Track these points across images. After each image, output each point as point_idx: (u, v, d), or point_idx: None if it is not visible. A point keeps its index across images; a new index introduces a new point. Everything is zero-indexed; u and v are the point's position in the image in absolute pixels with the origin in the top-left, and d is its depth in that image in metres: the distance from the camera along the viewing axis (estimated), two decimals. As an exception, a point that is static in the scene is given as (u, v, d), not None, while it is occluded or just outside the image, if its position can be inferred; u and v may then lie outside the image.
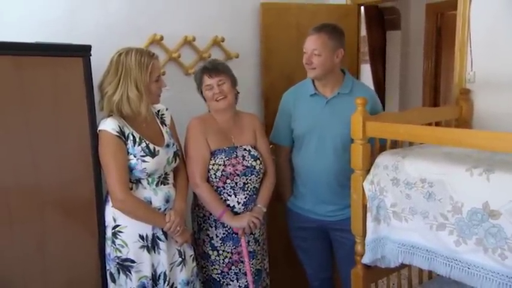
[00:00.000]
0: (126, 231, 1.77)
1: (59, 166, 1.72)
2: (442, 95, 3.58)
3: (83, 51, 1.69)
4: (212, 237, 2.02)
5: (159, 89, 1.81)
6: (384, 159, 1.74)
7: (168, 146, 1.85)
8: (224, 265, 2.03)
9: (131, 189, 1.77)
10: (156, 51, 2.30)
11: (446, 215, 1.50)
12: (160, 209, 1.81)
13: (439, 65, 3.55)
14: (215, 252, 2.02)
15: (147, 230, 1.78)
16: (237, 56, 2.58)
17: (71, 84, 1.70)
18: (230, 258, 2.03)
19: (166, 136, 1.87)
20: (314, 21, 2.72)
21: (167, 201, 1.84)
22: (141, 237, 1.77)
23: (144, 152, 1.75)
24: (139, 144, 1.75)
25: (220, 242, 2.02)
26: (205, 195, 1.95)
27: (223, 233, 2.01)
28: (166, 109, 1.98)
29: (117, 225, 1.78)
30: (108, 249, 1.80)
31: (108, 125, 1.72)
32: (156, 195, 1.81)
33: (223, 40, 2.51)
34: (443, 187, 1.51)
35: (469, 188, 1.44)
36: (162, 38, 2.30)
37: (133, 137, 1.75)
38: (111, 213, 1.79)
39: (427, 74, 3.53)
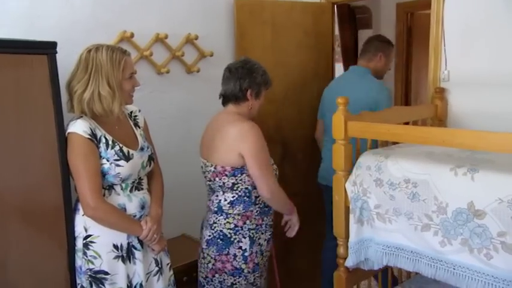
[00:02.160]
0: (99, 241, 1.65)
1: (22, 171, 1.58)
2: (413, 93, 3.64)
3: (48, 48, 1.56)
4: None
5: (132, 87, 1.71)
6: (366, 160, 1.72)
7: (142, 149, 1.76)
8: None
9: (104, 195, 1.66)
10: (127, 49, 2.21)
11: (431, 216, 1.48)
12: (135, 216, 1.71)
13: (410, 63, 3.61)
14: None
15: (121, 239, 1.68)
16: (211, 54, 2.49)
17: (35, 84, 1.57)
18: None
19: (140, 139, 1.79)
20: (289, 18, 2.71)
21: (142, 207, 1.74)
22: (115, 246, 1.67)
23: (118, 156, 1.65)
24: (112, 148, 1.65)
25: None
26: None
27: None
28: (139, 110, 1.88)
29: (89, 235, 1.66)
30: (79, 261, 1.67)
31: (79, 127, 1.60)
32: (130, 202, 1.71)
33: (196, 38, 2.42)
34: (427, 187, 1.50)
35: (453, 188, 1.44)
36: (132, 35, 2.18)
37: (106, 139, 1.65)
38: (81, 222, 1.67)
39: (399, 72, 3.58)
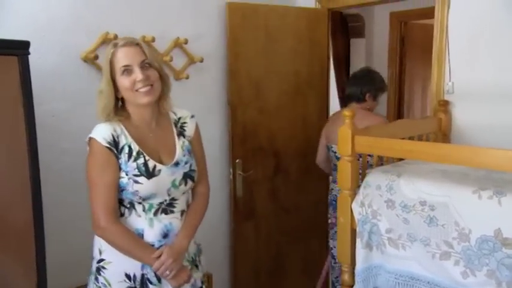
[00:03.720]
0: (111, 268, 1.43)
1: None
2: (406, 103, 3.55)
3: (19, 49, 1.36)
4: None
5: (131, 83, 1.38)
6: (375, 178, 1.57)
7: (177, 164, 1.46)
8: None
9: (122, 215, 1.43)
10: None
11: (451, 243, 1.35)
12: (153, 245, 1.43)
13: (403, 73, 3.52)
14: None
15: (135, 268, 1.43)
16: (201, 60, 2.32)
17: (3, 89, 1.36)
18: None
19: (179, 151, 1.48)
20: (283, 24, 2.56)
21: (165, 236, 1.44)
22: (128, 276, 1.43)
23: (139, 171, 1.39)
24: (135, 160, 1.40)
25: None
26: None
27: None
28: (192, 116, 1.57)
29: (102, 260, 1.45)
30: (91, 285, 1.48)
31: (99, 133, 1.40)
32: (151, 228, 1.42)
33: (186, 42, 2.24)
34: (446, 211, 1.36)
35: (477, 213, 1.30)
36: (115, 37, 1.98)
37: (130, 149, 1.40)
38: (97, 243, 1.47)
39: (391, 82, 3.48)
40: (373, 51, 3.65)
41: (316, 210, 2.78)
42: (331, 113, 2.80)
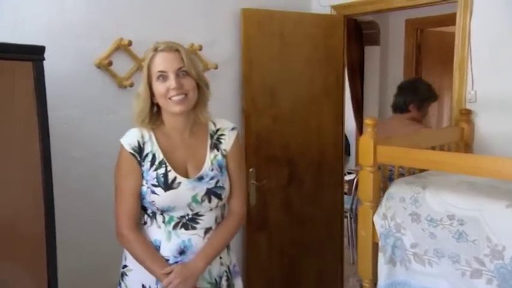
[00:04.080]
0: (131, 275, 1.42)
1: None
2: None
3: (34, 54, 1.32)
4: None
5: (165, 90, 1.32)
6: (399, 190, 1.51)
7: (200, 178, 1.37)
8: None
9: (145, 223, 1.40)
10: (122, 58, 1.99)
11: (483, 260, 1.27)
12: (168, 260, 1.36)
13: (419, 82, 3.44)
14: None
15: (151, 281, 1.38)
16: (215, 66, 2.28)
17: (17, 97, 1.32)
18: None
19: (207, 165, 1.39)
20: (298, 31, 2.52)
21: (182, 252, 1.36)
22: (144, 287, 1.40)
23: (157, 181, 1.34)
24: (156, 169, 1.34)
25: None
26: None
27: None
28: (232, 128, 1.47)
29: (125, 266, 1.45)
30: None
31: (126, 138, 1.38)
32: (168, 241, 1.36)
33: (200, 48, 2.20)
34: (477, 226, 1.29)
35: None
36: (130, 43, 1.95)
37: (153, 158, 1.36)
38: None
39: (407, 91, 3.40)
40: (388, 59, 3.59)
41: (331, 221, 2.71)
42: (346, 122, 2.75)
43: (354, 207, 3.59)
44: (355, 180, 3.63)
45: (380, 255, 1.52)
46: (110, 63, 1.91)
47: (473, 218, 1.30)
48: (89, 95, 1.91)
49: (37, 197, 1.41)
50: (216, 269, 1.42)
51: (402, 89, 2.54)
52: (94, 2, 1.89)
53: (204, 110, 1.42)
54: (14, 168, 1.36)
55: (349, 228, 3.52)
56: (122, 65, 1.98)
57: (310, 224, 2.66)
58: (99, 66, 1.91)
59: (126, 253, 1.42)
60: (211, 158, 1.41)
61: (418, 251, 1.41)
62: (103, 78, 1.94)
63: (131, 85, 1.99)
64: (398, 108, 2.50)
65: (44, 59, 1.35)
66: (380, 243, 1.52)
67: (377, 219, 1.53)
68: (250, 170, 2.42)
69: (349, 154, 4.31)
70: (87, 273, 1.90)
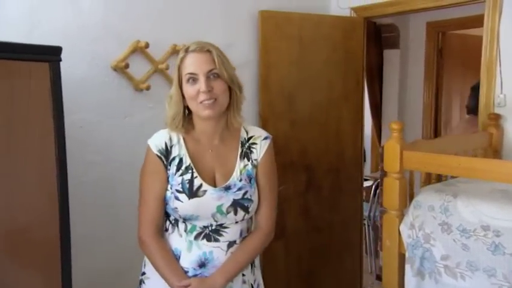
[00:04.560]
0: (149, 284, 1.36)
1: (11, 205, 1.28)
2: (443, 119, 3.38)
3: (51, 54, 1.28)
4: None
5: (195, 93, 1.25)
6: (427, 198, 1.43)
7: (227, 188, 1.29)
8: None
9: (167, 230, 1.33)
10: (139, 61, 1.96)
11: (522, 274, 1.19)
12: (187, 272, 1.28)
13: (441, 86, 3.35)
14: None
15: None
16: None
17: (33, 98, 1.29)
18: None
19: (235, 174, 1.31)
20: (317, 34, 2.46)
21: (202, 265, 1.28)
22: None
23: (182, 187, 1.26)
24: (182, 174, 1.27)
25: None
26: None
27: None
28: (265, 138, 1.37)
29: (144, 273, 1.39)
30: None
31: (153, 139, 1.31)
32: (188, 251, 1.29)
33: (217, 51, 2.15)
34: (515, 238, 1.21)
35: (553, 241, 1.15)
36: (147, 46, 1.92)
37: (180, 162, 1.29)
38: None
39: (428, 96, 3.32)
40: (408, 63, 3.50)
41: (350, 229, 2.63)
42: (365, 127, 2.68)
43: (372, 214, 3.50)
44: (373, 186, 3.55)
45: (407, 267, 1.44)
46: (127, 66, 1.88)
47: (510, 230, 1.21)
48: (105, 98, 1.88)
49: (52, 200, 1.37)
50: (238, 285, 1.33)
51: (475, 90, 2.39)
52: (111, 4, 1.87)
53: (236, 115, 1.33)
54: (29, 172, 1.32)
55: (367, 236, 3.42)
56: (139, 68, 1.95)
57: (329, 231, 2.58)
58: (116, 68, 1.88)
59: (146, 260, 1.36)
60: (240, 167, 1.32)
61: (449, 264, 1.33)
62: (119, 81, 1.91)
63: (148, 88, 1.96)
64: (472, 109, 2.49)
65: (60, 59, 1.31)
66: (407, 254, 1.44)
67: (404, 229, 1.46)
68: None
69: (364, 160, 4.22)
70: (102, 278, 1.86)
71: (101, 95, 1.87)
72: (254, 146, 1.35)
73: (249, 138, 1.36)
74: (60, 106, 1.33)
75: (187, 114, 1.32)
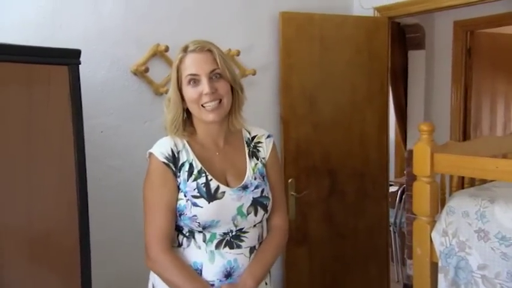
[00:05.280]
0: None
1: (30, 214, 1.27)
2: (472, 122, 3.24)
3: (70, 58, 1.27)
4: None
5: (197, 95, 1.19)
6: (461, 204, 1.34)
7: (245, 188, 1.24)
8: None
9: (180, 245, 1.24)
10: (159, 65, 1.93)
11: None
12: (213, 285, 1.20)
13: (469, 88, 3.22)
14: None
15: None
16: (254, 72, 2.19)
17: (52, 102, 1.27)
18: None
19: (249, 173, 1.27)
20: (339, 34, 2.40)
21: (228, 275, 1.20)
22: None
23: (199, 192, 1.19)
24: (195, 179, 1.21)
25: None
26: None
27: None
28: (268, 136, 1.36)
29: None
30: None
31: (158, 147, 1.24)
32: (211, 263, 1.20)
33: (238, 54, 2.12)
34: (560, 246, 1.11)
35: None
36: (167, 49, 1.90)
37: (191, 167, 1.22)
38: (152, 276, 1.30)
39: (456, 98, 3.20)
40: (434, 64, 3.38)
41: (376, 235, 2.53)
42: (390, 129, 2.59)
43: (398, 221, 3.39)
44: (398, 192, 3.44)
45: (440, 276, 1.35)
46: (147, 70, 1.86)
47: (556, 237, 1.12)
48: (125, 102, 1.87)
49: (72, 206, 1.35)
50: None
51: None
52: (131, 8, 1.86)
53: (238, 116, 1.29)
54: (48, 177, 1.31)
55: (394, 244, 3.31)
56: (158, 72, 1.93)
57: (353, 238, 2.50)
58: (136, 73, 1.87)
59: (155, 281, 1.26)
60: (252, 166, 1.28)
61: (487, 274, 1.24)
62: (139, 85, 1.90)
63: (167, 92, 1.93)
64: None
65: (79, 63, 1.30)
66: (440, 263, 1.36)
67: (436, 236, 1.37)
68: (290, 180, 2.30)
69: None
70: (122, 284, 1.83)
71: (120, 99, 1.86)
72: (260, 144, 1.33)
73: (253, 138, 1.34)
74: (79, 110, 1.31)
75: (185, 117, 1.26)
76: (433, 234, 1.39)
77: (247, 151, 1.31)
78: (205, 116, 1.21)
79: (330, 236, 2.44)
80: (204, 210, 1.18)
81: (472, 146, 1.60)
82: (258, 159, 1.31)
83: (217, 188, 1.21)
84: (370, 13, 2.52)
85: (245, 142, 1.32)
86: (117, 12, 1.83)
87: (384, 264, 2.59)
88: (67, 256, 1.37)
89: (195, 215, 1.19)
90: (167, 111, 1.26)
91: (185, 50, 1.23)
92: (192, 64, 1.20)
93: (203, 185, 1.20)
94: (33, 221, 1.29)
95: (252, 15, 2.23)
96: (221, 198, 1.20)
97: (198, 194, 1.19)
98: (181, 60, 1.22)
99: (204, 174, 1.22)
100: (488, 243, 1.24)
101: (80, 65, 1.30)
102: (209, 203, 1.19)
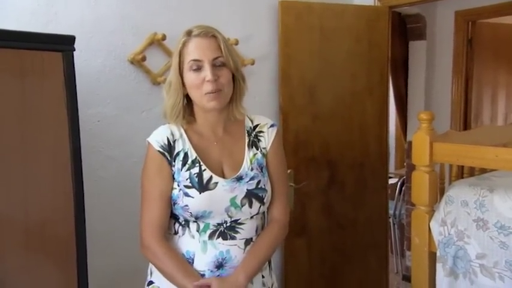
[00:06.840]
0: None
1: (25, 203, 1.26)
2: (473, 113, 3.22)
3: (64, 44, 1.25)
4: None
5: (199, 81, 1.17)
6: (460, 193, 1.33)
7: (239, 179, 1.21)
8: None
9: (176, 233, 1.24)
10: (156, 54, 1.91)
11: None
12: (204, 275, 1.19)
13: (471, 79, 3.19)
14: None
15: None
16: (252, 62, 2.17)
17: (46, 89, 1.26)
18: None
19: (246, 164, 1.24)
20: (340, 24, 2.37)
21: (219, 266, 1.19)
22: None
23: (191, 182, 1.18)
24: (189, 169, 1.19)
25: None
26: None
27: None
28: (271, 126, 1.32)
29: (151, 282, 1.29)
30: None
31: (154, 136, 1.23)
32: (203, 253, 1.19)
33: (236, 43, 2.10)
34: (560, 235, 1.10)
35: None
36: (164, 38, 1.88)
37: (186, 156, 1.21)
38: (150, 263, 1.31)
39: (457, 89, 3.17)
40: (435, 54, 3.35)
41: (375, 226, 2.53)
42: (390, 121, 2.57)
43: (397, 212, 3.39)
44: (398, 184, 3.43)
45: (438, 266, 1.35)
46: (144, 59, 1.84)
47: (555, 226, 1.11)
48: (122, 92, 1.85)
49: (67, 196, 1.34)
50: (258, 285, 1.25)
51: None
52: (127, -4, 1.83)
53: (239, 105, 1.27)
54: (43, 166, 1.30)
55: (393, 235, 3.31)
56: (156, 61, 1.90)
57: (352, 229, 2.49)
58: (133, 61, 1.84)
59: (152, 267, 1.27)
60: (250, 156, 1.25)
61: (485, 263, 1.23)
62: (136, 74, 1.88)
63: (165, 81, 1.91)
64: None
65: (74, 49, 1.28)
66: (438, 253, 1.35)
67: (434, 226, 1.36)
68: (289, 171, 2.28)
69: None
70: (119, 275, 1.83)
71: (118, 89, 1.84)
72: (261, 134, 1.29)
73: (255, 127, 1.30)
74: (74, 98, 1.30)
75: (185, 103, 1.23)
76: (432, 224, 1.38)
77: (247, 141, 1.28)
78: (206, 103, 1.18)
79: (329, 227, 2.43)
80: (195, 201, 1.17)
81: (472, 136, 1.59)
82: (257, 149, 1.27)
83: (210, 178, 1.19)
84: (370, 2, 2.49)
85: (246, 131, 1.29)
86: (114, 0, 1.81)
87: (383, 255, 2.59)
88: (63, 246, 1.37)
89: (187, 205, 1.18)
90: (167, 96, 1.23)
91: (189, 34, 1.20)
92: (196, 49, 1.17)
93: (196, 175, 1.19)
94: (28, 211, 1.28)
95: (250, 4, 2.21)
96: (213, 189, 1.18)
97: (190, 184, 1.18)
98: (184, 44, 1.19)
99: (198, 164, 1.20)
100: (487, 232, 1.23)
101: (74, 52, 1.29)
102: (200, 193, 1.17)
